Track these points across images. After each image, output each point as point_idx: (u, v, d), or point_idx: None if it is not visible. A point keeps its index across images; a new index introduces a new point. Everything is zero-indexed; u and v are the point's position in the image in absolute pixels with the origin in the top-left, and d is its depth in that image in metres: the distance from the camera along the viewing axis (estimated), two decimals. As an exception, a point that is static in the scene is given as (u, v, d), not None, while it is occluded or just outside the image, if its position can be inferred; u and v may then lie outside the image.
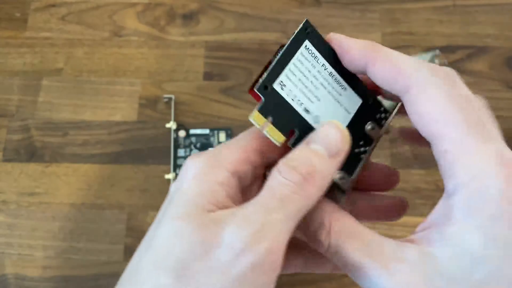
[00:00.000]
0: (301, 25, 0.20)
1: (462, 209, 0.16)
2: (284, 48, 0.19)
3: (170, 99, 0.42)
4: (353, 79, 0.21)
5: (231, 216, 0.17)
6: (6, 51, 0.45)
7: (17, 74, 0.44)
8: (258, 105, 0.18)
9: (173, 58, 0.45)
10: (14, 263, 0.38)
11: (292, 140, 0.19)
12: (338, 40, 0.20)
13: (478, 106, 0.18)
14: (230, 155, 0.19)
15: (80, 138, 0.42)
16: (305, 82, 0.20)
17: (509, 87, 0.44)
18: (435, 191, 0.40)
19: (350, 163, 0.20)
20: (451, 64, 0.45)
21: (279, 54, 0.19)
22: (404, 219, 0.39)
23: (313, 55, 0.20)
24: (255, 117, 0.18)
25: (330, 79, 0.20)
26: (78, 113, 0.43)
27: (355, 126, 0.21)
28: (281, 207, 0.17)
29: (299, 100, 0.19)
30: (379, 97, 0.22)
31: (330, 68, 0.20)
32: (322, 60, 0.20)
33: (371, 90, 0.21)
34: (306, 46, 0.20)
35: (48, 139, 0.42)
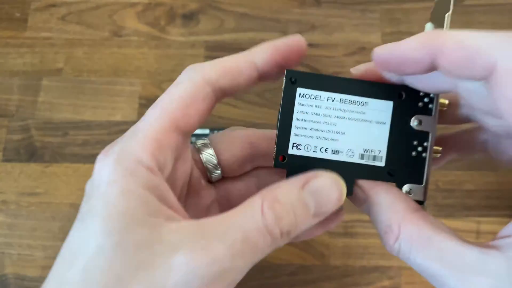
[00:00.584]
0: (284, 79, 0.19)
1: None
2: (280, 111, 0.18)
3: (170, 99, 0.42)
4: (368, 88, 0.19)
5: (182, 233, 0.15)
6: (6, 51, 0.45)
7: (17, 74, 0.44)
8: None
9: (173, 58, 0.45)
10: (14, 263, 0.38)
11: None
12: (388, 49, 0.17)
13: None
14: (146, 146, 0.17)
15: (80, 138, 0.42)
16: (319, 127, 0.18)
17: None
18: (435, 191, 0.40)
19: (413, 171, 0.18)
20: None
21: (278, 120, 0.18)
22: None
23: (312, 96, 0.18)
24: None
25: (344, 106, 0.19)
26: (78, 113, 0.43)
27: (399, 130, 0.19)
28: (250, 256, 0.15)
29: (321, 148, 0.18)
30: (408, 83, 0.19)
31: (337, 96, 0.19)
32: (324, 94, 0.18)
33: (394, 85, 0.19)
34: (300, 94, 0.18)
35: (48, 139, 0.42)
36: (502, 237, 0.15)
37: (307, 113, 0.18)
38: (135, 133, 0.17)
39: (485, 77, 0.15)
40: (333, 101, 0.18)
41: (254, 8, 0.47)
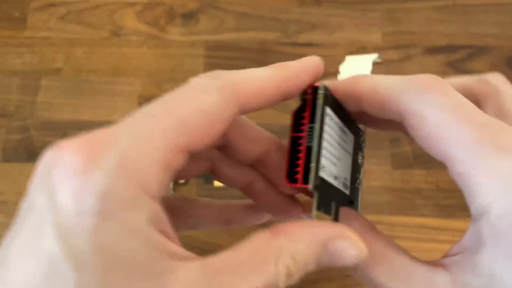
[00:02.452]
0: (321, 92, 0.17)
1: (489, 236, 0.15)
2: (317, 128, 0.17)
3: (169, 99, 0.42)
4: (348, 119, 0.19)
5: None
6: (5, 51, 0.45)
7: (16, 73, 0.44)
8: (315, 203, 0.17)
9: (172, 58, 0.45)
10: (13, 263, 0.38)
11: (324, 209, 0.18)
12: (332, 86, 0.18)
13: (477, 111, 0.16)
14: (154, 166, 0.13)
15: (79, 138, 0.42)
16: (332, 151, 0.18)
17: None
18: (435, 191, 0.39)
19: (353, 197, 0.20)
20: (452, 64, 0.44)
21: (314, 137, 0.17)
22: (404, 219, 0.39)
23: (331, 117, 0.18)
24: (317, 216, 0.17)
25: (340, 133, 0.19)
26: (77, 113, 0.43)
27: (353, 163, 0.20)
28: None
29: (330, 172, 0.18)
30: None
31: (340, 122, 0.19)
32: (336, 118, 0.18)
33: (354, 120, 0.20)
34: (327, 113, 0.18)
35: (47, 139, 0.42)
36: (449, 256, 0.16)
37: (329, 134, 0.18)
38: (141, 138, 0.14)
39: (400, 119, 0.17)
40: (338, 126, 0.19)
41: (254, 8, 0.47)
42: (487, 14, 0.47)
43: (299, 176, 0.17)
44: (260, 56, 0.44)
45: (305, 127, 0.17)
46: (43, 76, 0.44)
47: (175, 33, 0.46)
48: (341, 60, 0.45)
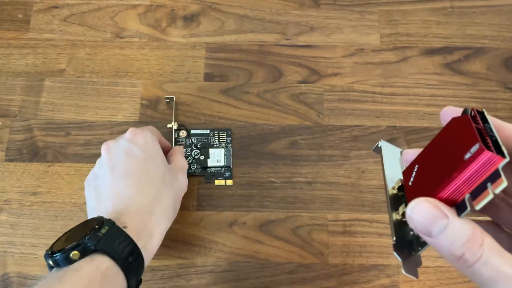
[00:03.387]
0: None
1: None
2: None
3: (171, 99, 0.43)
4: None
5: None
6: (8, 52, 0.46)
7: (19, 75, 0.45)
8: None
9: (174, 59, 0.45)
10: (17, 262, 0.38)
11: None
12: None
13: None
14: None
15: (82, 138, 0.42)
16: None
17: (507, 88, 0.44)
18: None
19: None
20: (449, 65, 0.45)
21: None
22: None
23: None
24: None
25: None
26: (80, 113, 0.43)
27: None
28: None
29: None
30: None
31: None
32: None
33: None
34: None
35: (50, 139, 0.42)
36: None
37: None
38: None
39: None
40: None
41: (254, 10, 0.47)
42: (484, 16, 0.47)
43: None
44: (260, 57, 0.45)
45: None
46: (46, 77, 0.45)
47: (177, 35, 0.46)
48: (340, 61, 0.45)
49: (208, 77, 0.44)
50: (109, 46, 0.46)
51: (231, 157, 0.42)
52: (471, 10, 0.47)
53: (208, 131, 0.42)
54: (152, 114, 0.43)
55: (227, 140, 0.42)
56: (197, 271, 0.38)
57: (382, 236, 0.39)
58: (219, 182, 0.41)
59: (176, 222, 0.37)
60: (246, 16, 0.47)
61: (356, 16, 0.47)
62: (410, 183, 0.21)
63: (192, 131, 0.42)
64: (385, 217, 0.40)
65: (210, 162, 0.41)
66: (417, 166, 0.21)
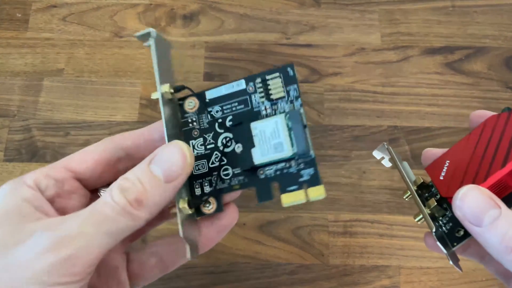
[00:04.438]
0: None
1: None
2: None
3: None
4: None
5: (44, 222, 0.18)
6: (7, 52, 0.45)
7: (18, 74, 0.44)
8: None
9: (173, 59, 0.45)
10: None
11: None
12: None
13: None
14: (34, 172, 0.21)
15: (81, 138, 0.42)
16: None
17: (508, 87, 0.44)
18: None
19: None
20: (450, 65, 0.45)
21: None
22: (404, 218, 0.39)
23: None
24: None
25: None
26: (79, 113, 0.43)
27: None
28: (99, 224, 0.18)
29: None
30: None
31: None
32: None
33: None
34: None
35: (49, 139, 0.42)
36: None
37: None
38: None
39: None
40: None
41: (254, 9, 0.47)
42: (485, 15, 0.47)
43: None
44: (260, 57, 0.45)
45: None
46: (45, 76, 0.44)
47: (176, 34, 0.46)
48: (341, 60, 0.45)
49: (208, 76, 0.44)
50: (108, 45, 0.45)
51: (305, 131, 0.21)
52: (472, 10, 0.47)
53: (243, 84, 0.23)
54: (151, 114, 0.43)
55: (288, 91, 0.22)
56: (197, 272, 0.38)
57: (383, 237, 0.39)
58: (293, 197, 0.20)
59: (176, 222, 0.37)
60: (246, 15, 0.47)
61: (356, 15, 0.47)
62: (441, 177, 0.22)
63: (209, 94, 0.23)
64: (386, 217, 0.39)
65: (259, 155, 0.21)
66: (448, 161, 0.22)
